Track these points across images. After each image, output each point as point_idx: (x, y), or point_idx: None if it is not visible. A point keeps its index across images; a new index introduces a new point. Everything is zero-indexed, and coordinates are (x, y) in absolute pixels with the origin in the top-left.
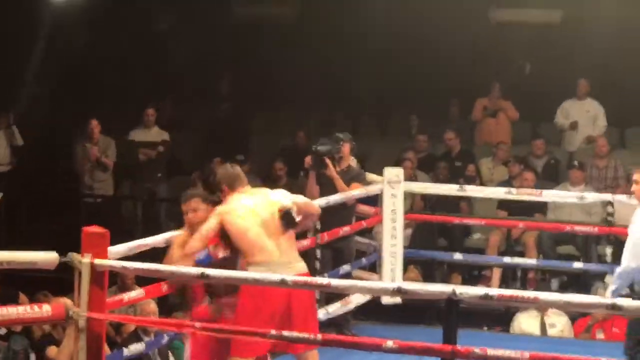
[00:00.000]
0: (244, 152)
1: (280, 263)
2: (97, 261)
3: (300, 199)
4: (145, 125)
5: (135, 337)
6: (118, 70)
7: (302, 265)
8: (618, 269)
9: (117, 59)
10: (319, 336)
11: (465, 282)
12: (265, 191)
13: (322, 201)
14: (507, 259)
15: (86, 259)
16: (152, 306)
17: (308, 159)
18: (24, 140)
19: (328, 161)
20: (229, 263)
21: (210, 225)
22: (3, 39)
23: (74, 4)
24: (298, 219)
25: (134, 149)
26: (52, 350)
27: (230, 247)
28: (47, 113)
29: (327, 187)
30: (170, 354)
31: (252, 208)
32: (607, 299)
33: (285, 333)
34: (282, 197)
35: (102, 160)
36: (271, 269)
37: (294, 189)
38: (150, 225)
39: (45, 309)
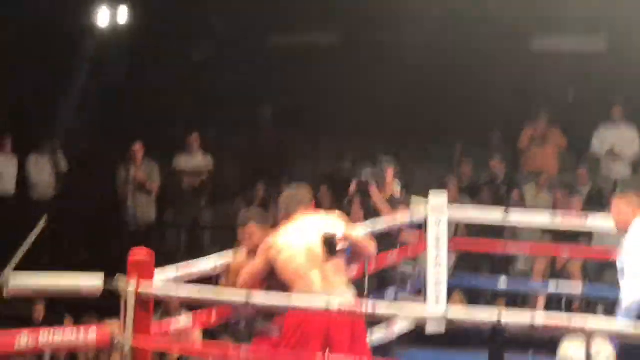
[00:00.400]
0: (287, 178)
1: (322, 293)
2: (143, 288)
3: (358, 232)
4: (189, 150)
5: None
6: (160, 98)
7: (347, 297)
8: (624, 305)
9: (159, 87)
10: None
11: (508, 306)
12: (319, 217)
13: (368, 228)
14: (552, 287)
15: (131, 286)
16: (197, 333)
17: (353, 186)
18: (68, 166)
19: (373, 188)
20: None
21: (255, 266)
22: (47, 65)
23: (117, 30)
24: (340, 247)
25: (177, 176)
26: None
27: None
28: (91, 139)
29: (372, 215)
30: None
31: (299, 236)
32: None
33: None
34: (332, 225)
35: (145, 184)
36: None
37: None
38: (194, 252)
39: (90, 336)
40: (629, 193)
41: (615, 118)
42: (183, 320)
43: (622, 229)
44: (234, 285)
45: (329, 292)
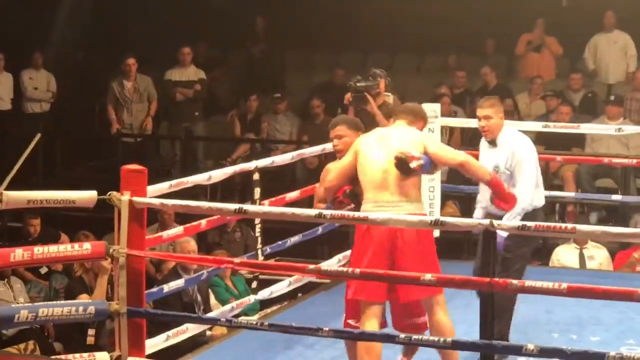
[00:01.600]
0: (280, 89)
1: (390, 202)
2: (136, 198)
3: (437, 147)
4: (181, 64)
5: (175, 274)
6: (153, 12)
7: (414, 207)
8: (518, 207)
9: (152, 1)
10: (357, 270)
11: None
12: (407, 131)
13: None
14: (545, 192)
15: (125, 197)
16: (192, 244)
17: (348, 96)
18: (63, 81)
19: (369, 97)
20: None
21: (345, 161)
22: None
23: None
24: (414, 165)
25: (170, 88)
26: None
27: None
28: (83, 54)
29: (366, 124)
30: (210, 291)
31: (380, 145)
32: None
33: (322, 267)
34: (411, 142)
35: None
36: (380, 208)
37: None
38: (188, 164)
39: (85, 247)
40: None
41: (608, 25)
42: (176, 230)
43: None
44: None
45: (396, 201)
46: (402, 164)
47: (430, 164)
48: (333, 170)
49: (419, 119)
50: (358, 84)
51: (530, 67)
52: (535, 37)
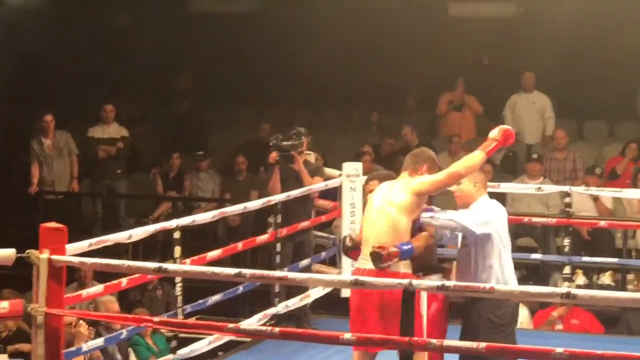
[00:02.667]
0: (203, 147)
1: (365, 255)
2: (55, 257)
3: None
4: (104, 121)
5: (96, 333)
6: (76, 68)
7: (368, 264)
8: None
9: (75, 56)
10: (277, 330)
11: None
12: (390, 185)
13: (283, 195)
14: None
15: (44, 255)
16: (115, 305)
17: (274, 155)
18: None
19: (297, 156)
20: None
21: None
22: None
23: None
24: (385, 265)
25: (92, 145)
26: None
27: None
28: (5, 111)
29: (287, 182)
30: (130, 349)
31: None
32: (560, 288)
33: (242, 326)
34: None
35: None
36: (362, 259)
37: (255, 184)
38: (110, 221)
39: (2, 305)
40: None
41: (527, 85)
42: (96, 289)
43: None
44: None
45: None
46: (375, 258)
47: (412, 251)
48: None
49: (420, 165)
50: (284, 143)
51: (451, 126)
52: (456, 96)
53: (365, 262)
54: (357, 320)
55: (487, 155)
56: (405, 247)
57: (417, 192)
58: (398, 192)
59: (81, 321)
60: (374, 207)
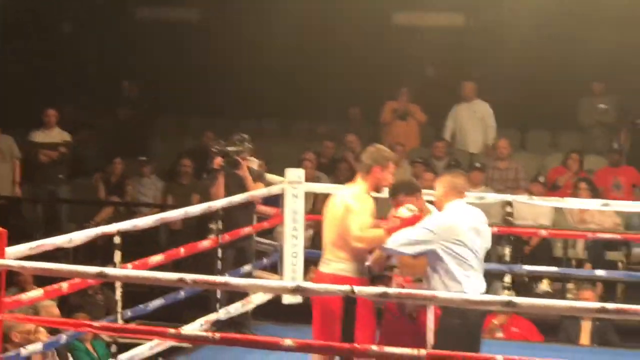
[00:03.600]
0: (145, 153)
1: (323, 260)
2: None
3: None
4: (46, 126)
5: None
6: (21, 71)
7: (335, 267)
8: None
9: (20, 60)
10: (217, 335)
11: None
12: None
13: (225, 201)
14: None
15: None
16: (55, 310)
17: (219, 160)
18: None
19: (242, 161)
20: None
21: None
22: None
23: None
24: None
25: (34, 150)
26: None
27: None
28: None
29: (231, 188)
30: (69, 355)
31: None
32: (502, 296)
33: (183, 331)
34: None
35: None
36: (320, 263)
37: (197, 189)
38: (51, 226)
39: None
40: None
41: (467, 95)
42: (36, 293)
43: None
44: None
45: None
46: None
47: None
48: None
49: (374, 167)
50: (229, 149)
51: (395, 135)
52: (400, 105)
53: (323, 266)
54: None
55: (388, 234)
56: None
57: (348, 231)
58: (340, 203)
59: (41, 328)
60: (327, 213)
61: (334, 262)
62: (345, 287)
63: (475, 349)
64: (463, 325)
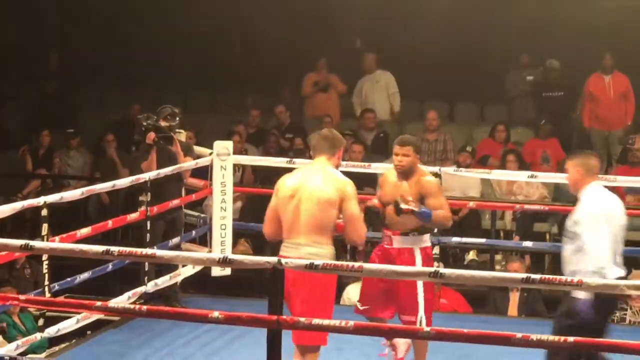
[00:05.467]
0: (73, 126)
1: (290, 244)
2: None
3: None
4: None
5: None
6: None
7: (309, 250)
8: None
9: None
10: (144, 308)
11: None
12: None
13: (153, 173)
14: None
15: None
16: None
17: (152, 135)
18: None
19: (175, 137)
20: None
21: (270, 205)
22: None
23: None
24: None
25: None
26: None
27: None
28: None
29: (161, 162)
30: None
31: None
32: (430, 268)
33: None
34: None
35: None
36: (285, 247)
37: (126, 162)
38: None
39: None
40: (578, 156)
41: (368, 67)
42: None
43: (574, 191)
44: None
45: (295, 244)
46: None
47: (429, 216)
48: (266, 218)
49: (337, 149)
50: (162, 124)
51: (317, 107)
52: (320, 76)
53: (289, 249)
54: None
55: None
56: (425, 210)
57: (345, 210)
58: (328, 187)
59: None
60: (304, 195)
61: (316, 246)
62: (274, 259)
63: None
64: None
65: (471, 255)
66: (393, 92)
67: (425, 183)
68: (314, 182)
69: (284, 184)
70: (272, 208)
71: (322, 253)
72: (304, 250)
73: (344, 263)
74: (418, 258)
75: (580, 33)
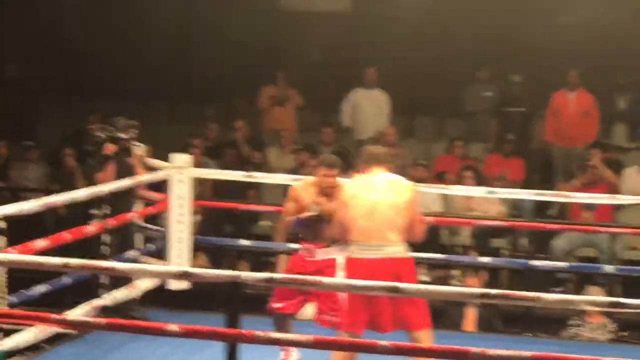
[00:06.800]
0: (31, 137)
1: (371, 246)
2: None
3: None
4: None
5: None
6: None
7: (392, 250)
8: None
9: None
10: (102, 320)
11: (253, 269)
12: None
13: (110, 186)
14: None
15: None
16: None
17: (111, 147)
18: None
19: (135, 148)
20: (316, 223)
21: (339, 214)
22: None
23: None
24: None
25: None
26: None
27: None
28: None
29: (119, 174)
30: None
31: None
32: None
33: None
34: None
35: None
36: (362, 249)
37: (82, 174)
38: None
39: None
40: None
41: (369, 81)
42: None
43: None
44: (290, 210)
45: (376, 245)
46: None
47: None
48: (337, 223)
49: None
50: (121, 136)
51: (274, 121)
52: (278, 90)
53: (368, 251)
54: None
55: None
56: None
57: (413, 211)
58: (399, 193)
59: None
60: (379, 199)
61: (400, 245)
62: (233, 273)
63: None
64: None
65: (422, 275)
66: (386, 113)
67: None
68: (386, 189)
69: (353, 193)
70: (342, 215)
71: (403, 250)
72: (388, 250)
73: (302, 278)
74: (339, 271)
75: (542, 49)
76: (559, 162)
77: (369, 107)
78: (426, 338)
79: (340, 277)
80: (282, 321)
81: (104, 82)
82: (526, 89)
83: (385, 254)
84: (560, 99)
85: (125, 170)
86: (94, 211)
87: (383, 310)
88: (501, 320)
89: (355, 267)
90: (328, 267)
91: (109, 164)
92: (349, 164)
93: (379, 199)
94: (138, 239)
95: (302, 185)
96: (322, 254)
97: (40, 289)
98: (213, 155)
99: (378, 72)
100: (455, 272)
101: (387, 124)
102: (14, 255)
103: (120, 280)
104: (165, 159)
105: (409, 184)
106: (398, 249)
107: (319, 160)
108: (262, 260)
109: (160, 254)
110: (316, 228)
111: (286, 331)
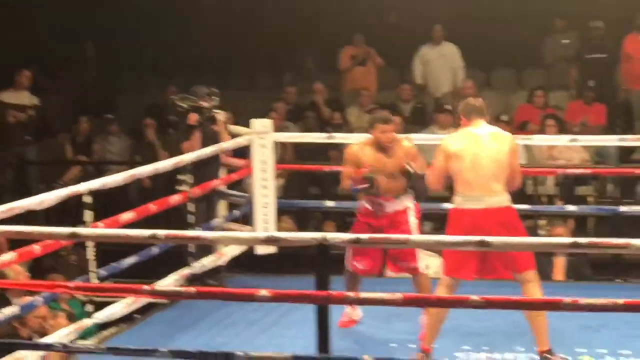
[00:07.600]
0: (112, 112)
1: (476, 196)
2: None
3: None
4: (17, 87)
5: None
6: None
7: (496, 200)
8: None
9: None
10: (192, 289)
11: (339, 229)
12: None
13: (193, 155)
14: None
15: None
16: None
17: (195, 117)
18: None
19: (218, 115)
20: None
21: (436, 165)
22: None
23: None
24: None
25: (2, 109)
26: None
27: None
28: None
29: (204, 143)
30: None
31: (470, 141)
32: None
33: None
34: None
35: None
36: (467, 200)
37: (165, 145)
38: (20, 189)
39: None
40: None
41: (436, 37)
42: (9, 256)
43: None
44: (348, 172)
45: (479, 196)
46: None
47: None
48: (431, 175)
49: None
50: (203, 104)
51: (356, 80)
52: (358, 50)
53: (472, 202)
54: None
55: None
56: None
57: (514, 161)
58: (501, 144)
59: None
60: (483, 152)
61: (503, 195)
62: (320, 235)
63: None
64: None
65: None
66: (458, 66)
67: (410, 150)
68: (489, 141)
69: (456, 145)
70: (442, 167)
71: (507, 199)
72: (492, 200)
73: (389, 236)
74: (412, 217)
75: None
76: (637, 107)
77: (439, 63)
78: (534, 278)
79: (412, 223)
80: (355, 279)
81: (180, 57)
82: (607, 35)
83: (489, 204)
84: (631, 42)
85: (210, 138)
86: (181, 177)
87: (493, 254)
88: (590, 267)
89: (460, 218)
90: (398, 215)
91: (195, 133)
92: (425, 120)
93: (483, 151)
94: (222, 206)
95: (358, 146)
96: (391, 205)
97: (129, 260)
98: (293, 119)
99: (447, 28)
100: (541, 222)
101: (462, 78)
102: (102, 230)
103: (208, 248)
104: (246, 126)
105: (509, 135)
106: (502, 199)
107: (374, 118)
108: (347, 221)
109: (245, 220)
110: (377, 187)
111: (357, 290)
